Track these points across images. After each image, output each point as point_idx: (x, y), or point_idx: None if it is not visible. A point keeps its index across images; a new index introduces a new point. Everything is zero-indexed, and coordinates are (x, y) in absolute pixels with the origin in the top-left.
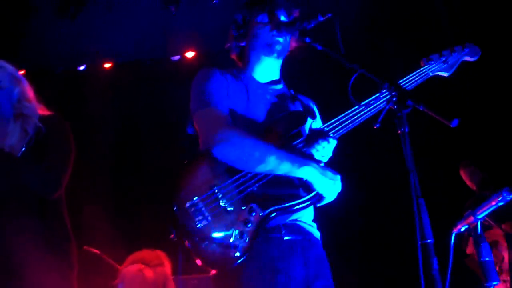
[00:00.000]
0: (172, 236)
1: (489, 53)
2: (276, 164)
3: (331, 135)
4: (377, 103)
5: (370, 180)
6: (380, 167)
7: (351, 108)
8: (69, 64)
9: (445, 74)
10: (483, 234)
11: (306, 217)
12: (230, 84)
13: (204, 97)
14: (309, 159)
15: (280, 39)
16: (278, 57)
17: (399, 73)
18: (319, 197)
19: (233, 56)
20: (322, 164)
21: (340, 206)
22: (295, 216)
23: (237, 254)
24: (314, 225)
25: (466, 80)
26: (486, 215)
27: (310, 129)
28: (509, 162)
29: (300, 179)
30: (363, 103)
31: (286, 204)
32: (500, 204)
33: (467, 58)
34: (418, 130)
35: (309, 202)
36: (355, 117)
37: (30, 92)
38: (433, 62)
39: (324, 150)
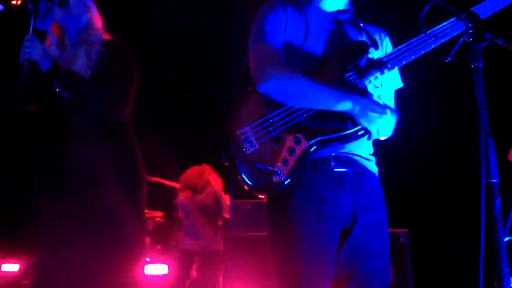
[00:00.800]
0: (224, 161)
1: None
2: (317, 101)
3: (388, 65)
4: (445, 32)
5: (438, 116)
6: (450, 102)
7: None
8: None
9: None
10: None
11: (361, 150)
12: (290, 17)
13: (259, 32)
14: (353, 93)
15: None
16: None
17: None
18: (366, 131)
19: None
20: (373, 98)
21: (406, 142)
22: (348, 148)
23: (280, 179)
24: (372, 158)
25: None
26: None
27: (367, 59)
28: None
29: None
30: (429, 31)
31: (331, 136)
32: None
33: None
34: (492, 66)
35: (356, 135)
36: (419, 46)
37: (97, 20)
38: None
39: (377, 81)
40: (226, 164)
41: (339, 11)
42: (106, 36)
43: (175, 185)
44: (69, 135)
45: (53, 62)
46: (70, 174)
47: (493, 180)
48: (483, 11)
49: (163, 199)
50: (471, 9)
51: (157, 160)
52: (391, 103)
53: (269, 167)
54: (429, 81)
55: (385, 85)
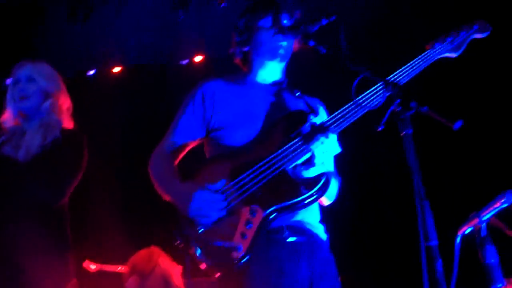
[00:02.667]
0: (178, 242)
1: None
2: (168, 196)
3: (331, 129)
4: (377, 94)
5: (373, 181)
6: (384, 168)
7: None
8: (79, 68)
9: (453, 55)
10: (488, 236)
11: (311, 218)
12: (218, 100)
13: (173, 124)
14: (195, 190)
15: (284, 43)
16: (281, 60)
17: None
18: (320, 194)
19: (237, 61)
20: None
21: (344, 208)
22: (299, 217)
23: (240, 255)
24: (321, 226)
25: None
26: (491, 217)
27: (311, 125)
28: None
29: (302, 178)
30: (361, 95)
31: (286, 203)
32: (504, 206)
33: (477, 36)
34: (422, 130)
35: (311, 199)
36: (355, 109)
37: (62, 101)
38: (438, 44)
39: (324, 146)
40: (180, 245)
41: (275, 83)
42: (67, 123)
43: (122, 270)
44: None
45: None
46: None
47: (433, 243)
48: (403, 76)
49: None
50: (391, 76)
51: (105, 243)
52: (331, 167)
53: (228, 243)
54: (364, 148)
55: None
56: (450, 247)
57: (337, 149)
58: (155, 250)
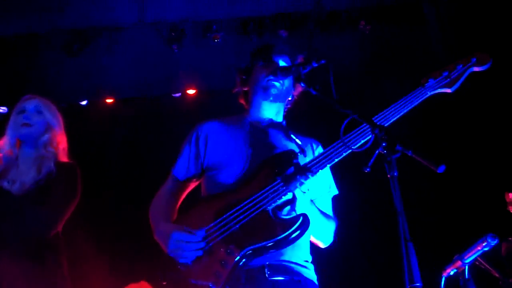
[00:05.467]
0: (163, 283)
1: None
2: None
3: (312, 170)
4: (361, 135)
5: (361, 220)
6: (370, 208)
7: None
8: (72, 100)
9: (448, 90)
10: (471, 278)
11: (297, 258)
12: (212, 138)
13: (173, 163)
14: (172, 231)
15: (276, 83)
16: (274, 100)
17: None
18: (298, 235)
19: (241, 101)
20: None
21: (331, 248)
22: (285, 256)
23: None
24: (310, 266)
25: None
26: (474, 259)
27: (294, 165)
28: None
29: (279, 218)
30: (347, 135)
31: (262, 244)
32: (486, 249)
33: (476, 69)
34: (408, 171)
35: (287, 239)
36: (340, 150)
37: (60, 139)
38: (432, 80)
39: (304, 186)
40: (164, 283)
41: (269, 123)
42: (63, 157)
43: None
44: None
45: None
46: None
47: (417, 284)
48: (393, 114)
49: None
50: (381, 113)
51: (97, 276)
52: (328, 210)
53: (201, 281)
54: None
55: (321, 193)
56: None
57: (333, 191)
58: (144, 284)
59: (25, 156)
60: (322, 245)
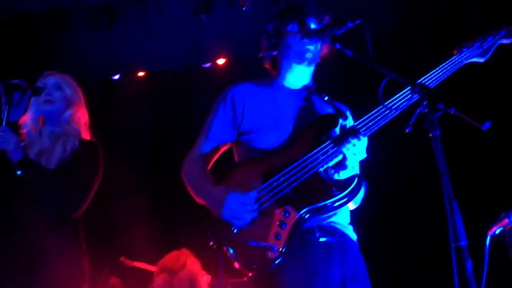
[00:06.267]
0: (211, 243)
1: None
2: (201, 198)
3: (362, 132)
4: (406, 98)
5: (403, 182)
6: (413, 169)
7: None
8: (104, 74)
9: (481, 60)
10: None
11: (341, 219)
12: (247, 104)
13: (205, 127)
14: (228, 193)
15: (311, 47)
16: (309, 64)
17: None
18: (352, 196)
19: (266, 65)
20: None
21: (374, 209)
22: (330, 218)
23: (274, 255)
24: (350, 227)
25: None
26: None
27: (341, 128)
28: None
29: (332, 179)
30: (391, 99)
31: (319, 204)
32: None
33: (504, 41)
34: (451, 130)
35: (343, 200)
36: (385, 112)
37: (81, 116)
38: (466, 49)
39: (355, 148)
40: (214, 245)
41: (303, 88)
42: (85, 134)
43: (152, 268)
44: (19, 223)
45: (24, 154)
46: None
47: (462, 243)
48: (431, 81)
49: (139, 284)
50: (419, 80)
51: (138, 244)
52: (357, 171)
53: (262, 243)
54: (392, 150)
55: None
56: (480, 247)
57: (364, 154)
58: (185, 251)
59: (49, 133)
60: (352, 207)
